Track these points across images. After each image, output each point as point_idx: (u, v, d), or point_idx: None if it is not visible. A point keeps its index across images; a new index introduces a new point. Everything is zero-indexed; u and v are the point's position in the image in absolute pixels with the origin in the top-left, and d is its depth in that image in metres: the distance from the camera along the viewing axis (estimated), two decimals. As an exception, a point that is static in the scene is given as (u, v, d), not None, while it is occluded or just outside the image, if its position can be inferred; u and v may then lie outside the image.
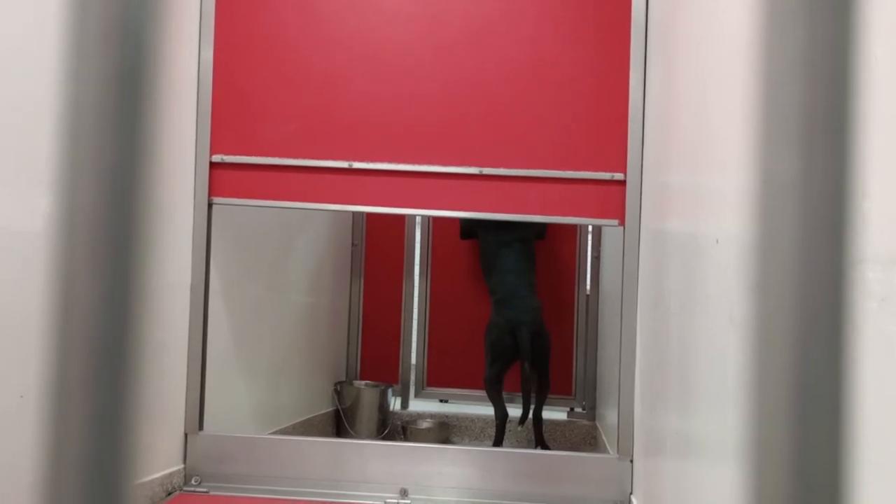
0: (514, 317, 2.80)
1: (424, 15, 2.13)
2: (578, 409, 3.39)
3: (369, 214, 3.48)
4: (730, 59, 1.18)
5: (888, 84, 0.69)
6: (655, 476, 1.71)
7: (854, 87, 0.27)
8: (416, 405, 3.49)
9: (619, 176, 2.06)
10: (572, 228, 3.45)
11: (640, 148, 2.05)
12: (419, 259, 3.55)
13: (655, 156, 1.89)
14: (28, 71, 1.48)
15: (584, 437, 3.28)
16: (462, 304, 3.49)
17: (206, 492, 2.02)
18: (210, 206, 2.11)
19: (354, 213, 3.48)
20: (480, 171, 2.09)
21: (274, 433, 2.58)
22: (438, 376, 3.52)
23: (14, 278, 1.45)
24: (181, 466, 2.06)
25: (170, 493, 1.99)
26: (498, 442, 2.86)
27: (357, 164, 2.10)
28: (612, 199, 2.06)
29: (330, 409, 3.20)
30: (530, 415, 2.89)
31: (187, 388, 2.09)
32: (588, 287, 3.44)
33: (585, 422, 3.33)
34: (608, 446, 2.52)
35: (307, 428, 2.91)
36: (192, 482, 2.05)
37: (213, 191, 2.11)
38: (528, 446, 3.02)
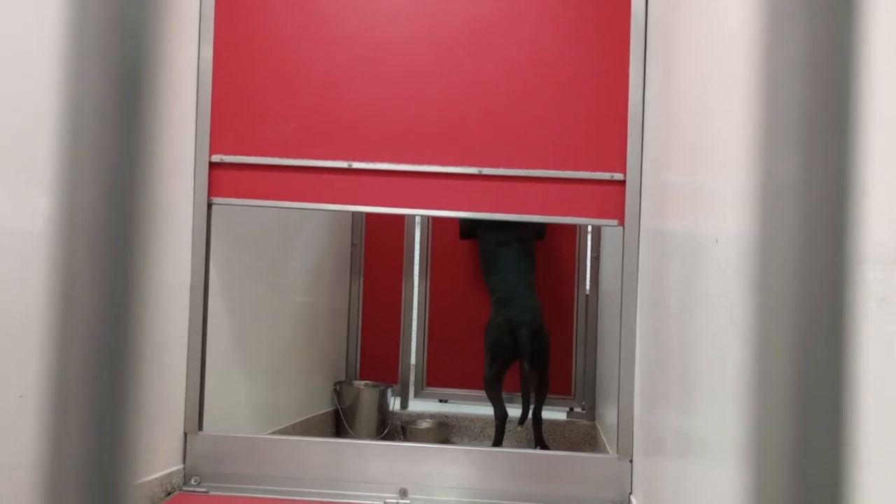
0: (514, 316, 2.80)
1: (424, 15, 2.13)
2: (578, 409, 3.39)
3: (369, 214, 3.48)
4: (730, 59, 1.18)
5: (888, 84, 0.69)
6: (655, 476, 1.71)
7: (854, 88, 0.27)
8: (416, 405, 3.49)
9: (618, 176, 2.06)
10: (572, 228, 3.45)
11: (640, 148, 2.05)
12: (419, 259, 3.55)
13: (655, 156, 1.89)
14: (28, 71, 1.48)
15: (584, 437, 3.28)
16: (462, 304, 3.49)
17: (206, 492, 2.02)
18: (209, 206, 2.11)
19: (354, 213, 3.48)
20: (480, 171, 2.09)
21: (273, 433, 2.58)
22: (438, 376, 3.52)
23: (14, 278, 1.45)
24: (181, 466, 2.06)
25: (169, 493, 1.99)
26: (497, 442, 2.86)
27: (357, 164, 2.10)
28: (612, 199, 2.06)
29: (329, 409, 3.20)
30: (530, 415, 2.89)
31: (187, 388, 2.09)
32: (587, 287, 3.44)
33: (585, 422, 3.33)
34: (608, 446, 2.52)
35: (307, 428, 2.91)
36: (192, 482, 2.05)
37: (212, 191, 2.11)
38: (527, 446, 3.02)
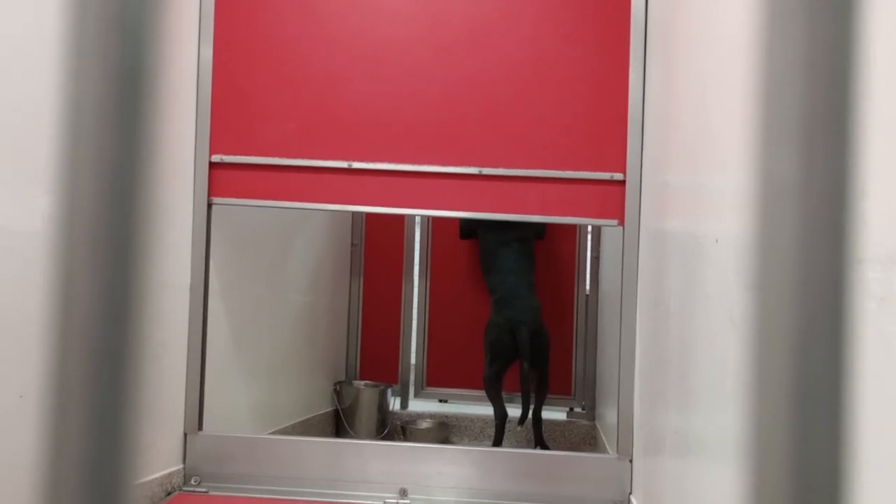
0: (514, 316, 2.80)
1: (424, 15, 2.13)
2: (578, 409, 3.39)
3: (369, 214, 3.48)
4: (730, 59, 1.18)
5: (888, 84, 0.69)
6: (655, 476, 1.71)
7: (854, 88, 0.27)
8: (416, 405, 3.49)
9: (618, 176, 2.06)
10: (572, 228, 3.45)
11: (640, 148, 2.05)
12: (419, 259, 3.55)
13: (655, 156, 1.89)
14: (28, 71, 1.48)
15: (584, 437, 3.28)
16: (462, 304, 3.49)
17: (206, 492, 2.02)
18: (209, 206, 2.11)
19: (354, 213, 3.48)
20: (480, 171, 2.09)
21: (273, 433, 2.58)
22: (438, 376, 3.52)
23: (14, 278, 1.45)
24: (181, 466, 2.06)
25: (169, 493, 1.99)
26: (497, 442, 2.86)
27: (357, 164, 2.10)
28: (612, 199, 2.06)
29: (329, 409, 3.20)
30: (530, 415, 2.89)
31: (187, 387, 2.09)
32: (587, 287, 3.44)
33: (585, 422, 3.33)
34: (608, 446, 2.52)
35: (306, 428, 2.91)
36: (192, 482, 2.05)
37: (212, 191, 2.11)
38: (527, 446, 3.02)
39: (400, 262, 3.54)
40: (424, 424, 3.32)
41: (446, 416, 3.39)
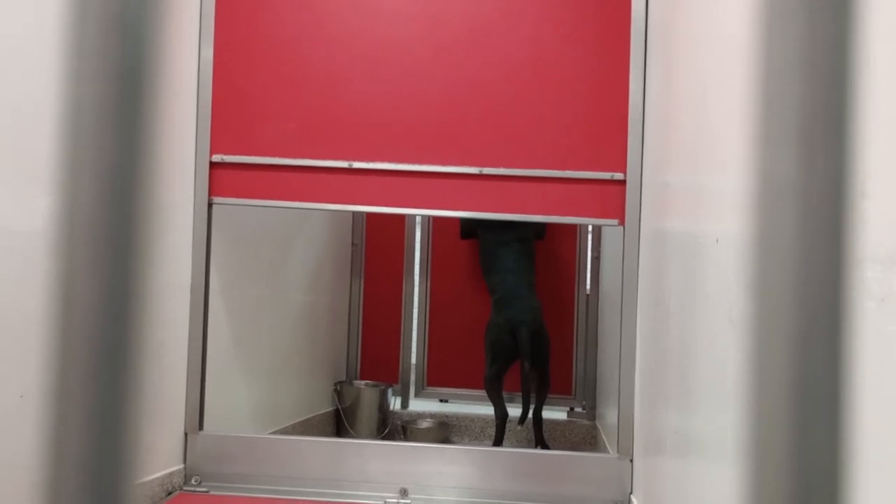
0: (514, 316, 2.80)
1: (424, 15, 2.13)
2: (578, 409, 3.39)
3: (369, 214, 3.48)
4: (730, 59, 1.18)
5: (888, 84, 0.69)
6: (655, 476, 1.71)
7: (854, 87, 0.27)
8: (416, 405, 3.49)
9: (618, 176, 2.06)
10: (572, 228, 3.45)
11: (640, 148, 2.05)
12: (419, 259, 3.55)
13: (655, 156, 1.89)
14: (28, 71, 1.48)
15: (584, 437, 3.28)
16: (462, 303, 3.49)
17: (206, 491, 2.02)
18: (210, 205, 2.11)
19: (354, 213, 3.48)
20: (480, 171, 2.09)
21: (274, 433, 2.58)
22: (438, 376, 3.52)
23: (14, 278, 1.45)
24: (181, 466, 2.06)
25: (170, 493, 1.99)
26: (498, 441, 2.86)
27: (357, 164, 2.10)
28: (612, 198, 2.06)
29: (330, 408, 3.20)
30: (530, 414, 2.89)
31: (187, 387, 2.09)
32: (588, 287, 3.44)
33: (585, 421, 3.33)
34: (608, 446, 2.52)
35: (307, 428, 2.91)
36: (192, 482, 2.05)
37: (212, 191, 2.11)
38: (528, 446, 3.02)
39: (400, 262, 3.54)
40: (425, 424, 3.32)
41: (447, 416, 3.39)
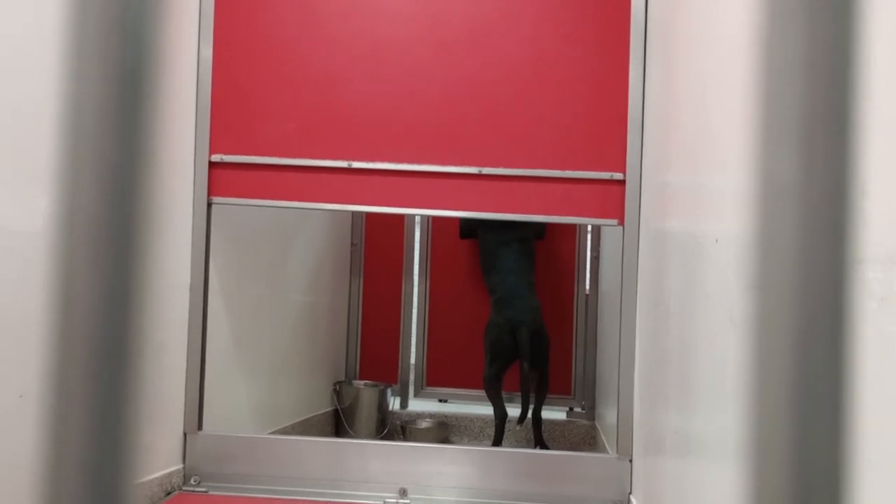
0: (514, 316, 2.80)
1: (424, 14, 2.13)
2: (578, 409, 3.39)
3: (369, 214, 3.48)
4: (730, 59, 1.18)
5: (888, 84, 0.69)
6: (655, 476, 1.71)
7: (854, 87, 0.27)
8: (416, 405, 3.49)
9: (618, 176, 2.06)
10: (571, 228, 3.45)
11: (640, 148, 2.05)
12: (419, 259, 3.55)
13: (655, 156, 1.89)
14: (28, 71, 1.48)
15: (584, 437, 3.28)
16: (462, 303, 3.49)
17: (206, 491, 2.02)
18: (209, 205, 2.11)
19: (354, 213, 3.48)
20: (480, 171, 2.09)
21: (273, 433, 2.58)
22: (438, 376, 3.52)
23: (14, 278, 1.45)
24: (180, 466, 2.06)
25: (169, 493, 1.99)
26: (497, 441, 2.86)
27: (356, 164, 2.10)
28: (612, 198, 2.06)
29: (329, 408, 3.20)
30: (529, 414, 2.89)
31: (186, 387, 2.09)
32: (587, 287, 3.44)
33: (585, 421, 3.33)
34: (607, 446, 2.52)
35: (306, 428, 2.91)
36: (192, 482, 2.05)
37: (212, 190, 2.11)
38: (527, 446, 3.02)
39: (400, 261, 3.54)
40: (424, 424, 3.32)
41: (446, 416, 3.39)
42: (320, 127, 2.11)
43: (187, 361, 2.09)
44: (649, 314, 1.85)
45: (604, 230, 3.29)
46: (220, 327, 2.25)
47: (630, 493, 2.00)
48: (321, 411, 3.11)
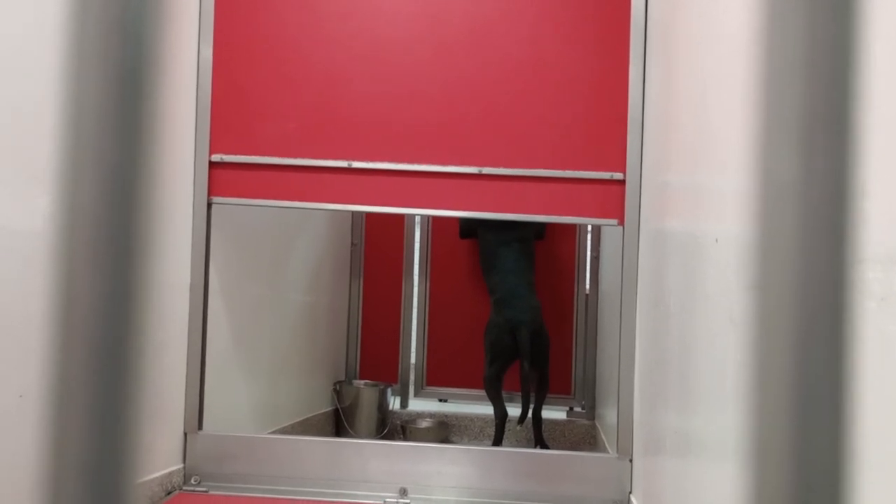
0: (514, 316, 2.80)
1: (424, 14, 2.13)
2: (578, 409, 3.39)
3: (369, 214, 3.48)
4: (730, 59, 1.18)
5: (888, 84, 0.69)
6: (655, 475, 1.71)
7: (854, 88, 0.27)
8: (416, 404, 3.49)
9: (618, 176, 2.06)
10: (571, 228, 3.45)
11: (640, 148, 2.05)
12: (419, 259, 3.55)
13: (655, 156, 1.89)
14: (28, 71, 1.48)
15: (584, 437, 3.28)
16: (461, 303, 3.49)
17: (206, 491, 2.02)
18: (209, 205, 2.11)
19: (354, 213, 3.48)
20: (480, 171, 2.09)
21: (273, 432, 2.58)
22: (438, 376, 3.53)
23: (14, 278, 1.45)
24: (181, 466, 2.06)
25: (169, 493, 1.99)
26: (497, 441, 2.86)
27: (357, 164, 2.10)
28: (612, 198, 2.06)
29: (329, 408, 3.20)
30: (529, 414, 2.89)
31: (187, 387, 2.09)
32: (587, 287, 3.44)
33: (585, 421, 3.33)
34: (607, 446, 2.52)
35: (306, 427, 2.91)
36: (192, 482, 2.05)
37: (212, 190, 2.11)
38: (527, 446, 3.02)
39: (400, 261, 3.54)
40: (424, 424, 3.32)
41: (446, 416, 3.39)
42: (320, 127, 2.11)
43: (187, 361, 2.09)
44: (649, 314, 1.85)
45: (604, 230, 3.29)
46: (220, 327, 2.25)
47: (630, 493, 2.00)
48: (321, 411, 3.11)
